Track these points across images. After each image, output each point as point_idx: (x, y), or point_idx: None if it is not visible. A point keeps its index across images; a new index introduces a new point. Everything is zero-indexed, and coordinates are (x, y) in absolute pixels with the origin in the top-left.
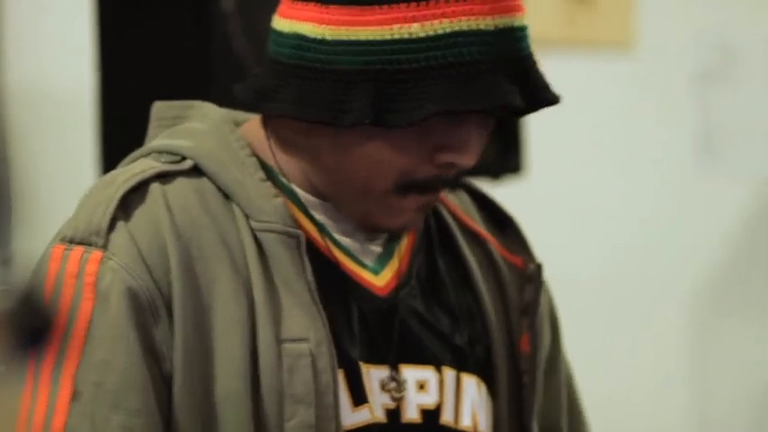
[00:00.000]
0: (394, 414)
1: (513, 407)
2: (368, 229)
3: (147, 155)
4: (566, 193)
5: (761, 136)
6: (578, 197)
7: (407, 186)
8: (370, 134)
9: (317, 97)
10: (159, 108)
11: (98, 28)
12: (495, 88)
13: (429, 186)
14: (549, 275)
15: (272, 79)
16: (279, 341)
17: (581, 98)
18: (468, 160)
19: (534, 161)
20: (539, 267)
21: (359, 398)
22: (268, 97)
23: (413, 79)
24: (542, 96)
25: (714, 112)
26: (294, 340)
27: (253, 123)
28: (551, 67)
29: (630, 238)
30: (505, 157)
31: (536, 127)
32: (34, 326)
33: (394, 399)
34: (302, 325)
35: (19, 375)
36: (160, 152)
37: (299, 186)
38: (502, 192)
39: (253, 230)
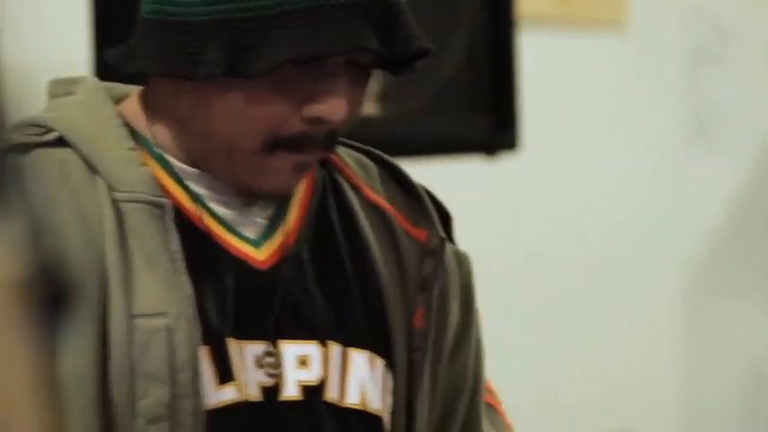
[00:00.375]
0: (271, 391)
1: (407, 384)
2: (243, 194)
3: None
4: (560, 170)
5: (753, 116)
6: (573, 174)
7: (275, 144)
8: (228, 87)
9: (174, 51)
10: (50, 85)
11: (95, 16)
12: (349, 33)
13: (298, 144)
14: (540, 253)
15: (136, 39)
16: (131, 316)
17: (573, 76)
18: (337, 114)
19: (529, 138)
20: (442, 241)
21: (225, 375)
22: (131, 56)
23: (266, 27)
24: (409, 44)
25: (706, 92)
26: (149, 315)
27: (133, 96)
28: (544, 45)
29: (623, 216)
30: (500, 133)
31: (531, 104)
32: (52, 295)
33: (270, 375)
34: (160, 298)
35: (38, 345)
36: (27, 125)
37: (175, 156)
38: (496, 168)
39: (115, 201)
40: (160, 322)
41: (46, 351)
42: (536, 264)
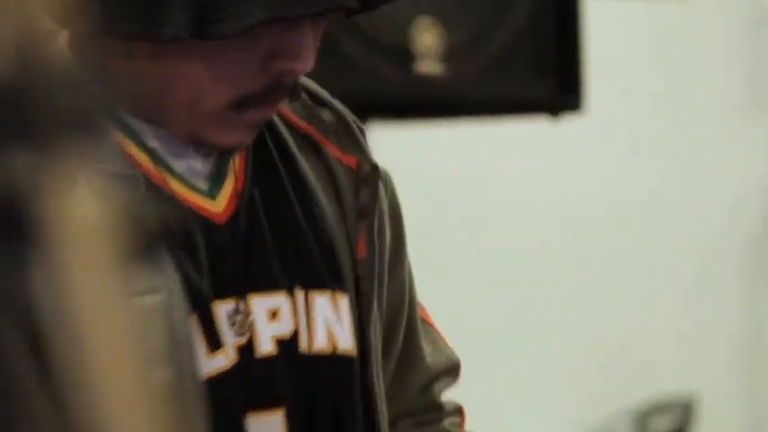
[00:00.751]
0: (247, 350)
1: (357, 314)
2: (197, 146)
3: None
4: (623, 132)
5: None
6: (635, 137)
7: (241, 102)
8: (193, 48)
9: (132, 10)
10: None
11: None
12: None
13: (264, 99)
14: (599, 213)
15: None
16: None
17: (637, 39)
18: (304, 65)
19: (593, 100)
20: (374, 168)
21: (214, 343)
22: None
23: None
24: None
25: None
26: (143, 293)
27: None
28: (609, 8)
29: (683, 179)
30: (565, 94)
31: (595, 66)
32: (139, 243)
33: (242, 333)
34: (149, 276)
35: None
36: None
37: (127, 111)
38: (560, 130)
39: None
40: (155, 300)
41: (137, 300)
42: (598, 225)
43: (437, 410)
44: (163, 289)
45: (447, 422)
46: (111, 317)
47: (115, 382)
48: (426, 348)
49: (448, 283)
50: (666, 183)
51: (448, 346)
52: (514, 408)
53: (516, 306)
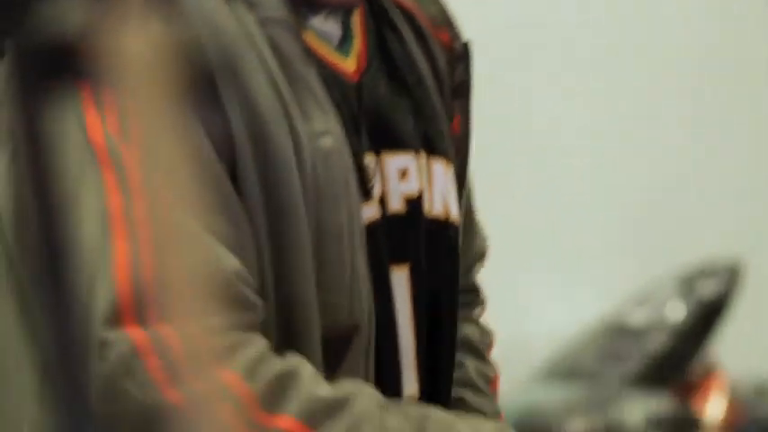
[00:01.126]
0: (381, 206)
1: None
2: (315, 7)
3: None
4: None
5: None
6: None
7: None
8: None
9: None
10: None
11: None
12: None
13: None
14: (651, 63)
15: None
16: (314, 135)
17: None
18: None
19: None
20: (465, 46)
21: (365, 192)
22: None
23: None
24: None
25: None
26: (322, 134)
27: None
28: None
29: (733, 36)
30: None
31: None
32: (194, 76)
33: (377, 189)
34: (322, 119)
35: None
36: None
37: None
38: None
39: (260, 22)
40: (330, 141)
41: (192, 128)
42: (648, 78)
43: (475, 293)
44: (333, 132)
45: (477, 310)
46: (165, 149)
47: (166, 216)
48: (479, 229)
49: (504, 137)
50: (714, 37)
51: (483, 231)
52: (560, 272)
53: (562, 168)
